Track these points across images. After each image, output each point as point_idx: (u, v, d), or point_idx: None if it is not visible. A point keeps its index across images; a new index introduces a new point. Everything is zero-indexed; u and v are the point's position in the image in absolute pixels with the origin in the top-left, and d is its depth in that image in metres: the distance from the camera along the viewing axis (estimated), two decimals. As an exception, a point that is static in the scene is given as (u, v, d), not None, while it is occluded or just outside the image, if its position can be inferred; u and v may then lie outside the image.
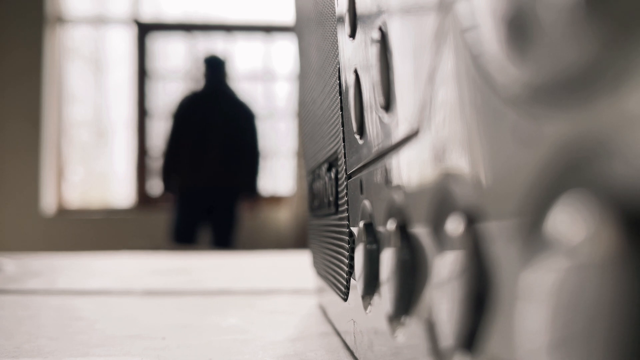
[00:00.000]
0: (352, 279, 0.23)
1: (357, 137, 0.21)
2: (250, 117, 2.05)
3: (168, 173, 2.00)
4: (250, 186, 2.07)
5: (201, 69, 2.07)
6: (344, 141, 0.24)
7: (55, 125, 2.39)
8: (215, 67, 2.03)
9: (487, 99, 0.10)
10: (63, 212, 2.36)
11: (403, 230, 0.15)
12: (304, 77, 0.39)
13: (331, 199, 0.28)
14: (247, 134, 2.03)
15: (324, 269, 0.33)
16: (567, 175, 0.08)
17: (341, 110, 0.24)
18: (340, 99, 0.24)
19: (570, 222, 0.07)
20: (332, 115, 0.27)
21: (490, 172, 0.10)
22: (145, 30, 2.49)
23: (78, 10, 2.48)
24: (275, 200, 2.45)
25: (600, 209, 0.07)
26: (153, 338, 0.30)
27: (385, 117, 0.16)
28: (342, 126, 0.24)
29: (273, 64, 2.53)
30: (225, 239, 2.02)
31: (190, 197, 1.99)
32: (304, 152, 0.45)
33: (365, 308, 0.20)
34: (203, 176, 1.98)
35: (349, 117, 0.22)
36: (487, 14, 0.09)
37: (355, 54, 0.20)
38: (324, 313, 0.35)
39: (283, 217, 2.38)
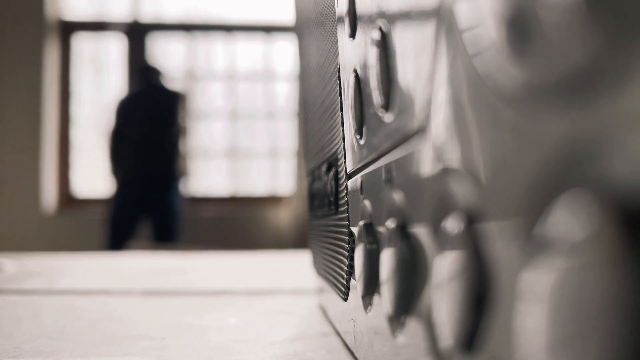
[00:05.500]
0: (352, 279, 0.23)
1: (357, 137, 0.21)
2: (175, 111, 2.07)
3: (114, 168, 2.04)
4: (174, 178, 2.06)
5: (138, 76, 2.13)
6: (344, 141, 0.24)
7: (55, 126, 2.39)
8: (148, 75, 2.08)
9: (487, 99, 0.10)
10: (64, 212, 2.36)
11: (403, 230, 0.15)
12: (304, 77, 0.39)
13: (331, 199, 0.28)
14: (176, 127, 2.05)
15: (324, 269, 0.33)
16: (566, 174, 0.08)
17: (341, 110, 0.24)
18: (340, 99, 0.24)
19: (570, 222, 0.07)
20: (332, 115, 0.27)
21: (490, 172, 0.10)
22: (145, 30, 2.49)
23: (78, 10, 2.48)
24: (275, 200, 2.45)
25: (600, 208, 0.07)
26: (153, 338, 0.30)
27: (385, 117, 0.16)
28: (342, 126, 0.24)
29: (273, 64, 2.52)
30: (166, 233, 2.01)
31: (128, 190, 2.00)
32: (304, 152, 0.45)
33: (365, 308, 0.20)
34: (140, 168, 2.00)
35: (349, 117, 0.22)
36: (487, 14, 0.09)
37: (355, 54, 0.20)
38: (324, 313, 0.35)
39: (283, 217, 2.37)
